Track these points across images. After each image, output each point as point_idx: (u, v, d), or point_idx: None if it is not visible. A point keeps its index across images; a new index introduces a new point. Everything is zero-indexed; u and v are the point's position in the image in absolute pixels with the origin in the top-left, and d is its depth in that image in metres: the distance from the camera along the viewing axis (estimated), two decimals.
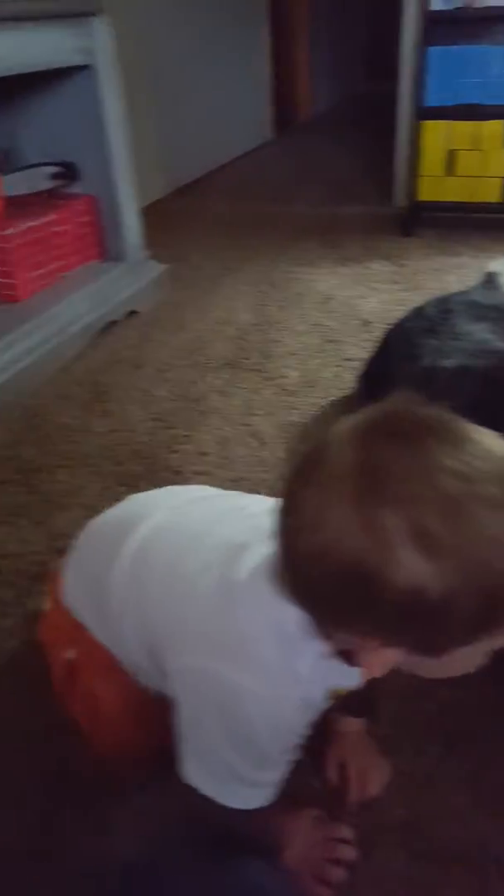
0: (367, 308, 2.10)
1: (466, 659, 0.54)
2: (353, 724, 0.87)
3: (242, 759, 0.62)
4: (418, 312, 1.41)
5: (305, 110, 5.04)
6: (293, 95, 4.89)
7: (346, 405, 1.65)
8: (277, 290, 2.28)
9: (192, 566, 0.65)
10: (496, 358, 1.09)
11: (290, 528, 0.52)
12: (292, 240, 2.68)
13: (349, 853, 0.77)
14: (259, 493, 1.38)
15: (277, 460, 1.49)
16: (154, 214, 2.82)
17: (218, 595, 0.62)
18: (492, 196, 2.48)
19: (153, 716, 0.70)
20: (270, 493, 1.39)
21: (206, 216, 3.03)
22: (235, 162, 3.94)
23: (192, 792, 0.64)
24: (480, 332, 1.21)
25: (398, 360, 1.30)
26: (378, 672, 0.56)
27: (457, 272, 2.29)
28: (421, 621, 0.49)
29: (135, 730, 0.76)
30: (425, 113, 2.43)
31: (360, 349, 1.81)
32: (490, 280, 1.70)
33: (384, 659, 0.54)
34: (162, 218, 2.91)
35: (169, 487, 0.87)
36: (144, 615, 0.69)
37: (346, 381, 1.73)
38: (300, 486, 0.52)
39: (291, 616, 0.56)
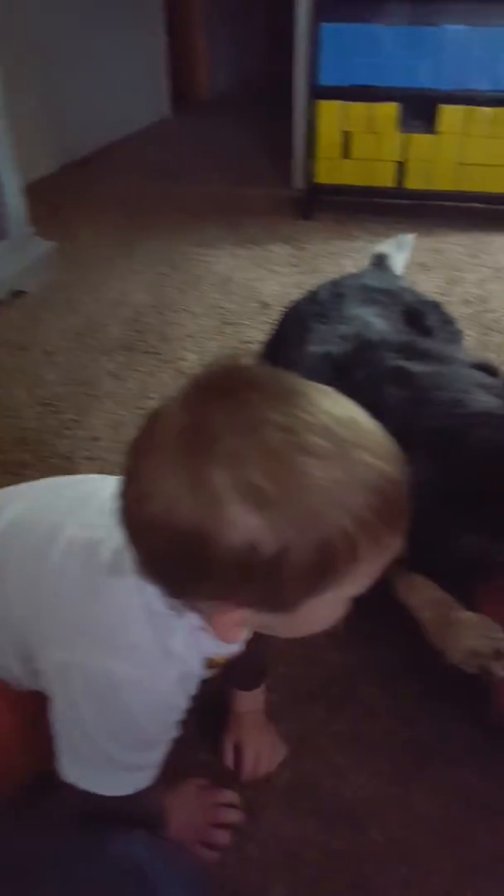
0: (267, 291, 2.15)
1: (322, 612, 0.56)
2: (249, 704, 0.91)
3: (122, 747, 0.63)
4: (312, 296, 1.46)
5: (204, 87, 5.03)
6: (191, 72, 4.86)
7: None
8: (176, 272, 2.28)
9: (53, 562, 0.65)
10: (352, 344, 1.15)
11: (130, 500, 0.53)
12: (191, 220, 2.69)
13: (233, 816, 0.81)
14: None
15: None
16: (43, 191, 2.75)
17: (81, 587, 0.63)
18: (387, 180, 2.58)
19: (38, 739, 0.69)
20: None
21: (99, 194, 2.98)
22: (131, 138, 3.89)
23: (70, 788, 0.65)
24: (367, 317, 1.28)
25: (290, 344, 1.35)
26: (234, 636, 0.58)
27: (354, 256, 2.37)
28: (260, 577, 0.49)
29: (20, 753, 0.76)
30: (320, 92, 2.48)
31: (259, 332, 1.86)
32: (379, 262, 1.78)
33: (235, 621, 0.55)
34: (52, 194, 2.84)
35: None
36: (9, 616, 0.68)
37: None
38: (136, 457, 0.52)
39: (156, 595, 0.57)
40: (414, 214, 2.63)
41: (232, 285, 2.19)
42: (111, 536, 0.61)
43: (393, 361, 1.08)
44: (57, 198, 2.82)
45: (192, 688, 0.67)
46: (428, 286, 2.13)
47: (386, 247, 1.82)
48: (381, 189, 2.61)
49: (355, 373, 1.08)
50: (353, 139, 2.54)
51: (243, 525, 0.48)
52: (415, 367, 1.06)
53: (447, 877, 0.79)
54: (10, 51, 2.38)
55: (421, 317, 1.37)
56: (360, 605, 0.59)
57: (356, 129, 2.51)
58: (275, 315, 1.73)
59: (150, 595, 0.58)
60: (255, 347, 1.73)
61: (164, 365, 1.77)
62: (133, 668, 0.60)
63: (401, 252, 1.86)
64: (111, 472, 1.43)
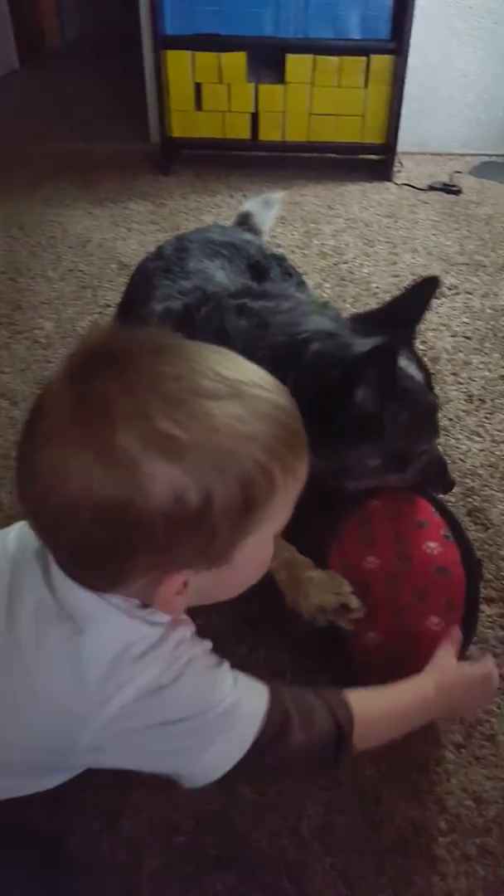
0: (126, 250, 2.02)
1: (255, 556, 0.55)
2: None
3: (210, 714, 0.57)
4: (158, 252, 1.38)
5: (54, 38, 4.63)
6: (38, 22, 4.47)
7: None
8: (29, 235, 2.11)
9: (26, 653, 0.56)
10: (193, 297, 1.10)
11: (35, 495, 0.49)
12: (44, 179, 2.48)
13: None
14: (11, 457, 1.31)
15: None
16: None
17: (70, 649, 0.54)
18: (242, 132, 2.48)
19: None
20: None
21: None
22: None
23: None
24: (210, 270, 1.22)
25: (138, 302, 1.26)
26: (177, 604, 0.54)
27: (214, 211, 2.28)
28: (192, 528, 0.48)
29: None
30: (167, 42, 2.33)
31: (118, 294, 1.73)
32: (244, 220, 1.70)
33: (177, 588, 0.52)
34: None
35: None
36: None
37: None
38: (29, 451, 0.49)
39: (120, 601, 0.55)
40: (271, 166, 2.56)
41: (90, 246, 2.05)
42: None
43: (235, 301, 1.04)
44: None
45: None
46: (287, 239, 2.09)
47: (252, 205, 1.74)
48: (237, 142, 2.51)
49: (197, 314, 1.04)
50: (204, 91, 2.41)
51: (164, 477, 0.46)
52: (255, 303, 1.02)
53: (316, 822, 0.79)
54: None
55: (265, 270, 1.33)
56: None
57: (206, 79, 2.39)
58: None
59: (119, 601, 0.55)
60: (113, 310, 1.63)
61: (18, 336, 1.64)
62: (159, 663, 0.55)
63: (267, 210, 1.77)
64: None
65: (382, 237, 2.09)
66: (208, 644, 0.61)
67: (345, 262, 1.94)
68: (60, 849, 0.76)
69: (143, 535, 0.48)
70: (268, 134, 2.47)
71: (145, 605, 0.56)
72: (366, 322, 0.96)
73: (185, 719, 0.55)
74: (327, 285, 1.83)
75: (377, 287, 1.82)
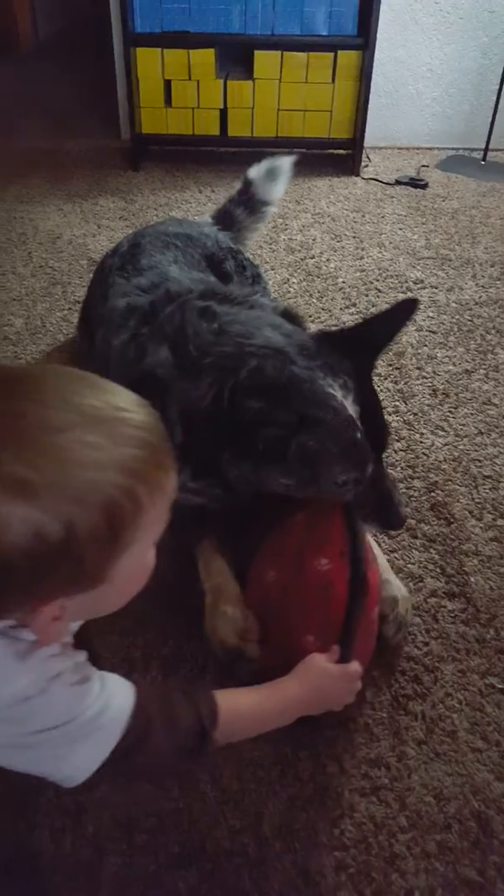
0: (96, 247, 1.97)
1: (133, 569, 0.53)
2: None
3: (74, 724, 0.57)
4: (115, 249, 1.34)
5: (26, 36, 4.52)
6: (12, 18, 4.35)
7: (73, 349, 1.55)
8: (0, 231, 2.06)
9: None
10: (154, 295, 1.06)
11: None
12: (15, 175, 2.41)
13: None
14: None
15: None
16: None
17: None
18: (211, 128, 2.42)
19: None
20: None
21: None
22: None
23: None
24: (164, 265, 1.18)
25: (97, 301, 1.23)
26: (56, 633, 0.53)
27: (184, 206, 2.23)
28: (58, 562, 0.47)
29: None
30: (136, 39, 2.26)
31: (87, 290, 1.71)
32: (244, 191, 1.64)
33: (53, 616, 0.51)
34: None
35: None
36: None
37: (73, 324, 1.61)
38: None
39: None
40: (239, 162, 2.48)
41: (60, 243, 2.00)
42: None
43: (201, 303, 1.01)
44: None
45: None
46: (255, 235, 2.04)
47: (257, 171, 1.65)
48: (206, 138, 2.46)
49: (162, 311, 1.01)
50: (174, 87, 2.35)
51: (20, 518, 0.45)
52: (219, 307, 0.99)
53: (277, 819, 0.76)
54: None
55: (220, 262, 1.30)
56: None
57: (176, 76, 2.33)
58: None
59: None
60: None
61: None
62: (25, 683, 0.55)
63: (271, 181, 1.67)
64: None
65: (349, 232, 2.06)
66: (81, 656, 0.60)
67: (312, 257, 1.91)
68: (24, 847, 0.74)
69: (5, 576, 0.47)
70: (237, 130, 2.43)
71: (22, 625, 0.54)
72: (329, 342, 0.90)
73: (49, 729, 0.55)
74: (294, 280, 1.80)
75: (343, 282, 1.79)
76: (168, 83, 2.34)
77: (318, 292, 1.75)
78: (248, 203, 1.65)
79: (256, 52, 2.27)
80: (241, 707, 0.68)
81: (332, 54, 2.24)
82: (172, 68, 2.31)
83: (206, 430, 0.86)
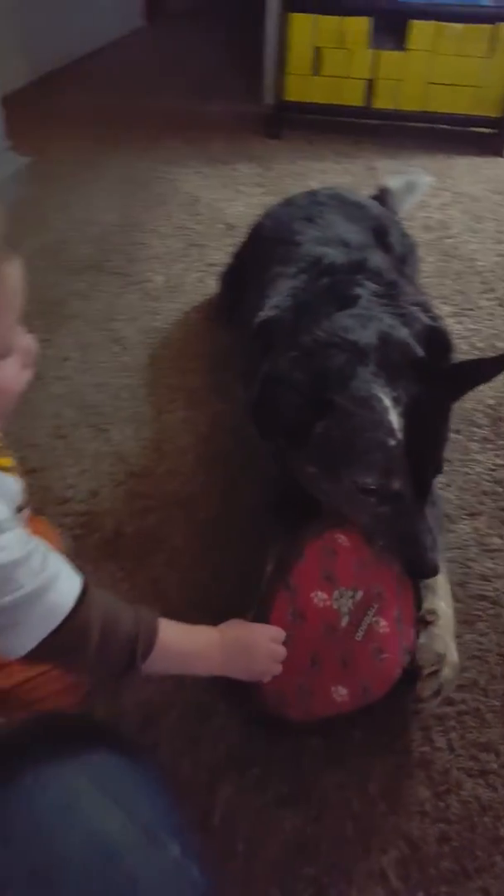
0: (232, 212, 1.97)
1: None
2: None
3: (11, 590, 0.54)
4: (288, 202, 1.33)
5: None
6: None
7: (207, 310, 1.57)
8: (143, 190, 2.08)
9: None
10: (350, 257, 1.05)
11: None
12: (159, 137, 2.44)
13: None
14: (121, 397, 1.33)
15: (140, 366, 1.41)
16: (15, 104, 2.44)
17: None
18: (356, 99, 2.34)
19: None
20: (132, 398, 1.32)
21: (70, 108, 2.68)
22: (104, 50, 3.47)
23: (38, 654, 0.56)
24: (338, 225, 1.16)
25: (273, 244, 1.21)
26: None
27: (320, 177, 2.17)
28: None
29: None
30: (292, 4, 2.21)
31: (223, 254, 1.70)
32: (383, 195, 1.61)
33: None
34: (24, 108, 2.52)
35: None
36: None
37: (208, 286, 1.63)
38: None
39: None
40: (381, 135, 2.41)
41: (199, 206, 2.01)
42: None
43: (358, 290, 0.98)
44: (30, 111, 2.52)
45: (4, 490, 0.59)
46: None
47: (396, 182, 1.63)
48: (349, 108, 2.37)
49: (320, 278, 1.00)
50: (324, 55, 2.28)
51: None
52: (364, 291, 0.96)
53: (383, 783, 0.77)
54: None
55: (385, 233, 1.27)
56: None
57: (327, 44, 2.25)
58: (239, 237, 1.59)
59: None
60: (219, 269, 1.59)
61: (131, 287, 1.63)
62: None
63: (409, 194, 1.68)
64: (81, 393, 1.33)
65: (490, 214, 1.95)
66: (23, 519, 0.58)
67: (449, 238, 1.83)
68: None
69: None
70: (382, 102, 2.33)
71: None
72: (419, 366, 0.84)
73: None
74: (430, 259, 1.72)
75: (482, 265, 1.70)
76: (318, 50, 2.27)
77: (455, 274, 1.68)
78: None
79: (412, 22, 2.15)
80: (173, 641, 0.63)
81: (492, 27, 2.10)
82: (324, 35, 2.24)
83: (276, 399, 0.84)
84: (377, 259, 1.08)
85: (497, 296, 1.59)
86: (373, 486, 0.78)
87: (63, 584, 0.56)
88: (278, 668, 0.70)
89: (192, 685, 0.85)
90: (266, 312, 1.00)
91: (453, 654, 0.80)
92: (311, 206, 1.26)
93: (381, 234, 1.25)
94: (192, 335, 1.50)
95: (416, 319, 0.94)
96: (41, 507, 1.07)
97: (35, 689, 0.67)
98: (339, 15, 2.18)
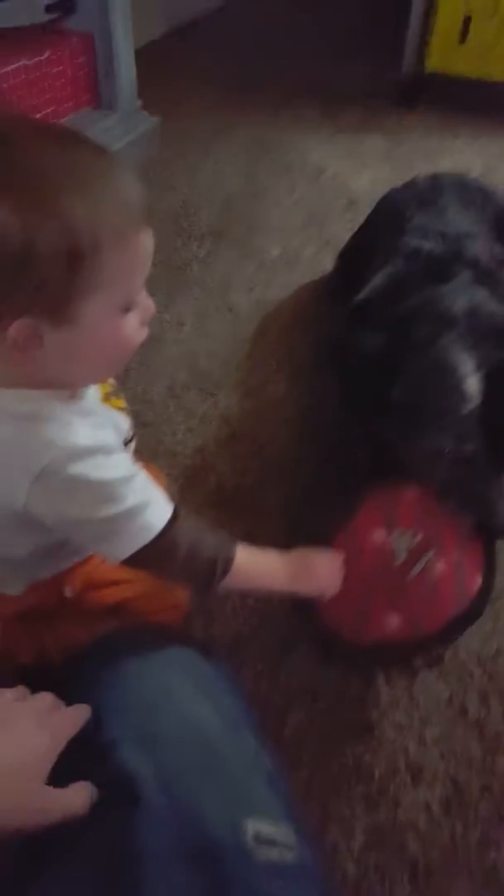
0: (356, 187, 2.11)
1: (104, 323, 0.60)
2: None
3: (117, 502, 0.66)
4: (409, 184, 1.45)
5: None
6: None
7: (320, 287, 1.73)
8: (269, 157, 2.25)
9: None
10: (453, 249, 1.17)
11: None
12: (289, 100, 2.59)
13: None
14: (231, 365, 1.52)
15: (250, 336, 1.60)
16: (148, 58, 2.66)
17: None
18: (502, 74, 2.41)
19: None
20: (240, 367, 1.50)
21: (203, 64, 2.88)
22: (238, 3, 3.65)
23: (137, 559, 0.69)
24: (463, 222, 1.28)
25: (384, 230, 1.36)
26: (39, 358, 0.59)
27: (455, 156, 2.27)
28: (19, 271, 0.53)
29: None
30: None
31: (343, 230, 1.85)
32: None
33: (25, 335, 0.57)
34: (157, 63, 2.75)
35: None
36: None
37: (323, 263, 1.80)
38: None
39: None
40: None
41: (324, 178, 2.16)
42: None
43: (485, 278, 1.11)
44: (161, 68, 2.74)
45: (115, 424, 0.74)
46: None
47: None
48: (494, 84, 2.44)
49: (445, 276, 1.12)
50: (474, 24, 2.34)
51: None
52: (461, 272, 1.10)
53: (438, 731, 0.94)
54: None
55: None
56: None
57: (479, 11, 2.32)
58: (360, 214, 1.73)
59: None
60: (337, 247, 1.74)
61: (249, 257, 1.82)
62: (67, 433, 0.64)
63: None
64: (194, 358, 1.54)
65: None
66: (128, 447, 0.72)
67: None
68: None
69: None
70: None
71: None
72: None
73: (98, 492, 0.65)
74: None
75: None
76: (468, 19, 2.34)
77: None
78: None
79: None
80: (245, 564, 0.76)
81: None
82: (477, 2, 2.31)
83: (368, 365, 1.00)
84: (475, 249, 1.19)
85: None
86: (446, 450, 0.90)
87: (158, 506, 0.69)
88: (337, 586, 0.86)
89: (276, 623, 1.04)
90: (362, 295, 1.16)
91: None
92: (428, 191, 1.38)
93: (502, 221, 1.36)
94: (303, 310, 1.67)
95: None
96: (153, 457, 1.29)
97: (144, 603, 0.86)
98: None
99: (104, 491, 0.65)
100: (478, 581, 0.93)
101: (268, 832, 0.56)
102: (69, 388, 0.67)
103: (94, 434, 0.65)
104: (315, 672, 1.00)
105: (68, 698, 0.63)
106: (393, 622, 0.92)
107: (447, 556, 0.92)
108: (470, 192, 1.40)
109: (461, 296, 1.01)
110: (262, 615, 1.06)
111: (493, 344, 0.93)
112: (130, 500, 0.66)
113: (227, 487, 1.27)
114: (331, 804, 0.88)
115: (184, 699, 0.69)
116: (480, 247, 1.21)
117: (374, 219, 1.53)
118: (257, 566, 0.80)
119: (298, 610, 1.00)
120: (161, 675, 0.71)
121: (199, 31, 3.24)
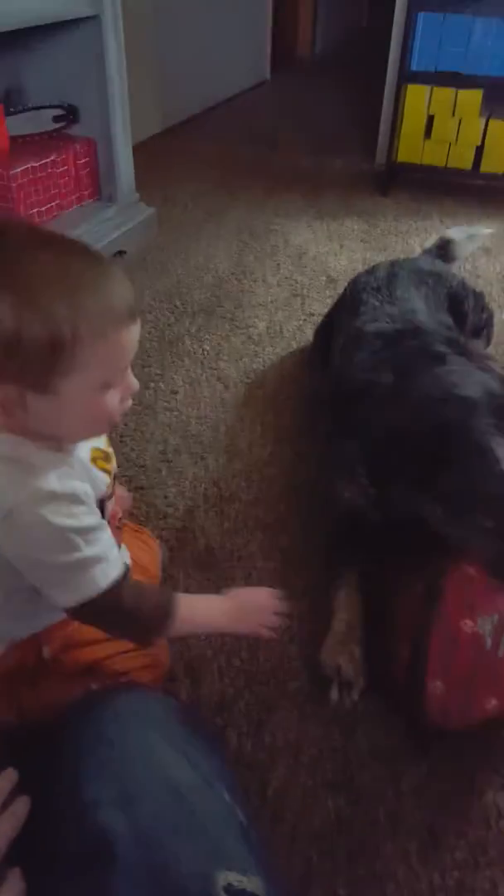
0: (336, 266, 2.20)
1: (83, 396, 0.64)
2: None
3: (74, 546, 0.68)
4: (371, 271, 1.53)
5: (305, 48, 4.89)
6: (293, 32, 4.73)
7: (302, 357, 1.79)
8: (256, 241, 2.36)
9: None
10: (405, 326, 1.23)
11: None
12: (276, 189, 2.73)
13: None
14: (220, 430, 1.55)
15: (238, 402, 1.64)
16: (148, 152, 2.82)
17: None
18: (465, 163, 2.53)
19: None
20: (228, 431, 1.53)
21: (197, 157, 3.04)
22: (232, 100, 3.87)
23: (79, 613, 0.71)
24: (414, 301, 1.35)
25: (346, 311, 1.43)
26: (21, 419, 0.64)
27: (423, 235, 2.37)
28: (9, 352, 0.59)
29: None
30: (410, 77, 2.44)
31: (323, 305, 1.93)
32: (443, 245, 1.80)
33: (11, 398, 0.63)
34: (155, 156, 2.91)
35: None
36: None
37: (306, 334, 1.86)
38: None
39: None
40: (487, 196, 2.59)
41: (306, 258, 2.25)
42: None
43: (440, 349, 1.17)
44: (159, 160, 2.89)
45: (93, 486, 0.74)
46: (488, 271, 2.14)
47: (456, 233, 1.83)
48: (457, 171, 2.57)
49: (405, 343, 1.19)
50: (436, 122, 2.49)
51: None
52: (453, 357, 1.14)
53: (415, 780, 0.93)
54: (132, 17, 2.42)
55: (461, 301, 1.44)
56: None
57: (440, 112, 2.47)
58: (339, 290, 1.80)
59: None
60: (317, 320, 1.81)
61: (237, 331, 1.88)
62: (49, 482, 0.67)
63: (470, 243, 1.87)
64: (185, 424, 1.57)
65: None
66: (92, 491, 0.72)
67: None
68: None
69: None
70: (490, 166, 2.51)
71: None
72: None
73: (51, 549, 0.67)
74: None
75: None
76: (431, 118, 2.49)
77: None
78: (442, 258, 1.76)
79: None
80: (187, 612, 0.78)
81: None
82: (438, 105, 2.46)
83: (392, 453, 1.03)
84: (424, 324, 1.25)
85: None
86: (493, 527, 0.94)
87: (111, 564, 0.71)
88: (274, 623, 0.86)
89: (261, 681, 1.04)
90: (360, 376, 1.19)
91: None
92: (384, 276, 1.46)
93: (456, 303, 1.42)
94: (287, 379, 1.72)
95: (497, 373, 1.11)
96: (145, 521, 1.31)
97: (122, 662, 0.86)
98: (452, 87, 2.39)
99: (62, 537, 0.67)
100: None
101: (239, 883, 0.56)
102: (52, 442, 0.70)
103: (64, 483, 0.68)
104: (299, 728, 0.99)
105: (49, 760, 0.64)
106: (491, 703, 0.93)
107: None
108: (423, 274, 1.47)
109: (469, 378, 1.06)
110: (247, 675, 1.05)
111: None
112: (86, 551, 0.68)
113: (215, 549, 1.28)
114: (314, 859, 0.86)
115: (162, 760, 0.69)
116: (430, 322, 1.26)
117: (340, 300, 1.60)
118: (198, 611, 0.83)
119: (402, 709, 1.00)
120: (140, 738, 0.71)
121: (193, 128, 3.43)
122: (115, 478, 0.82)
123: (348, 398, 1.19)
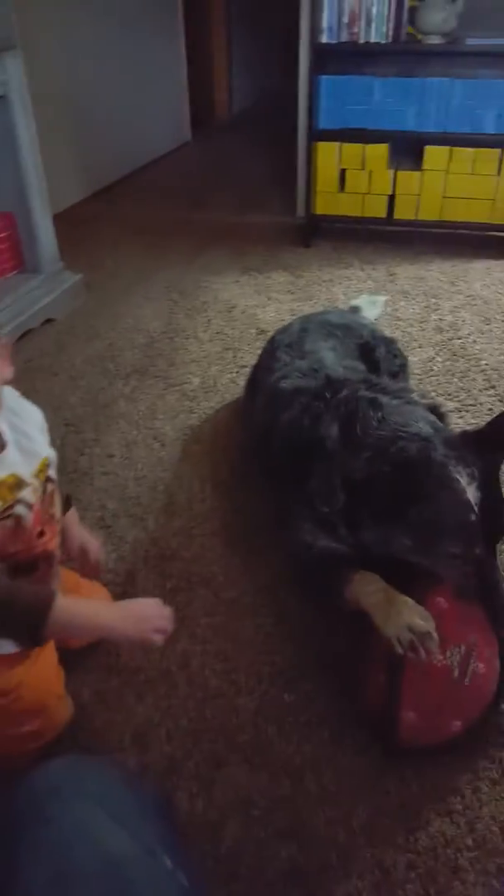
0: (265, 317, 2.31)
1: None
2: (67, 519, 1.12)
3: None
4: (285, 328, 1.63)
5: (222, 109, 5.18)
6: (211, 94, 5.01)
7: (236, 408, 1.87)
8: (186, 299, 2.46)
9: None
10: (321, 380, 1.32)
11: None
12: (203, 247, 2.86)
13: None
14: (158, 489, 1.61)
15: (175, 460, 1.70)
16: (72, 219, 2.94)
17: None
18: (379, 212, 2.72)
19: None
20: (167, 489, 1.58)
21: (122, 221, 3.16)
22: (155, 163, 4.06)
23: None
24: (321, 351, 1.45)
25: (263, 371, 1.52)
26: None
27: (345, 283, 2.52)
28: None
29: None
30: (319, 135, 2.63)
31: (254, 356, 2.00)
32: (354, 310, 1.94)
33: None
34: (79, 223, 3.03)
35: None
36: None
37: (239, 386, 1.94)
38: None
39: None
40: (402, 242, 2.77)
41: (235, 312, 2.36)
42: None
43: (369, 394, 1.25)
44: (85, 227, 3.01)
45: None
46: (407, 313, 2.28)
47: (361, 301, 2.02)
48: (373, 219, 2.75)
49: (336, 395, 1.26)
50: (349, 175, 2.68)
51: None
52: (384, 399, 1.23)
53: (365, 820, 0.97)
54: (38, 89, 2.56)
55: (372, 350, 1.55)
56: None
57: (351, 166, 2.66)
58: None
59: None
60: (248, 371, 1.89)
61: (171, 388, 1.96)
62: None
63: (373, 308, 2.10)
64: (123, 486, 1.61)
65: (500, 315, 2.23)
66: None
67: (459, 338, 2.11)
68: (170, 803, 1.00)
69: None
70: (402, 213, 2.70)
71: None
72: (468, 439, 1.08)
73: None
74: (439, 359, 2.00)
75: (486, 364, 1.97)
76: (343, 172, 2.68)
77: (461, 372, 1.94)
78: None
79: (427, 147, 2.54)
80: (64, 614, 0.87)
81: (499, 150, 2.46)
82: (348, 159, 2.65)
83: (360, 495, 1.10)
84: (335, 371, 1.35)
85: (497, 392, 1.84)
86: (458, 553, 1.02)
87: None
88: (166, 630, 0.95)
89: (210, 738, 1.07)
90: (304, 435, 1.24)
91: None
92: (296, 333, 1.56)
93: (368, 352, 1.53)
94: (222, 431, 1.79)
95: (420, 403, 1.21)
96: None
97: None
98: (360, 142, 2.59)
99: None
100: (497, 662, 1.05)
101: None
102: None
103: None
104: (249, 780, 1.02)
105: None
106: (456, 725, 1.03)
107: (482, 656, 1.03)
108: (332, 327, 1.58)
109: (413, 415, 1.14)
110: (195, 735, 1.08)
111: (472, 454, 1.05)
112: None
113: None
114: None
115: (99, 834, 0.71)
116: (339, 369, 1.36)
117: (259, 357, 1.70)
118: (81, 608, 0.94)
119: (375, 731, 1.07)
120: (77, 813, 0.73)
121: (118, 192, 3.57)
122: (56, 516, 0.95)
123: (296, 457, 1.25)
